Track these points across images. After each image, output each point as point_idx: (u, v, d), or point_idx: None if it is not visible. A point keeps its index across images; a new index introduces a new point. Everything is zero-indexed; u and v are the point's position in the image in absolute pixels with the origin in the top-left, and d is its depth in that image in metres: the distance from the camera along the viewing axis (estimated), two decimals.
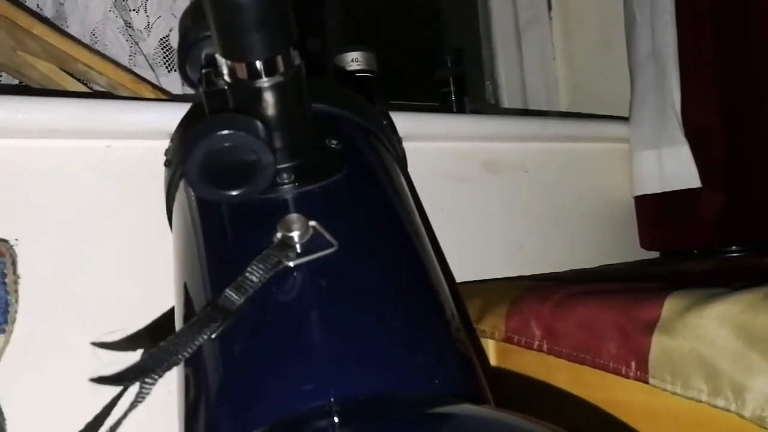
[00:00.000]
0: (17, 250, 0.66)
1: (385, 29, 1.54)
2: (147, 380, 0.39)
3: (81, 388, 0.50)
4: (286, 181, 0.47)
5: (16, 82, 0.91)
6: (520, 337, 0.73)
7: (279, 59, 0.44)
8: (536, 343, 0.71)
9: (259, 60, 0.43)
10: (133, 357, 0.40)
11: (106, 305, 0.72)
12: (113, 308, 0.72)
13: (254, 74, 0.44)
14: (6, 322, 0.60)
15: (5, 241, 0.65)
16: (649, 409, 0.61)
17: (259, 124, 0.43)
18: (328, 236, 0.44)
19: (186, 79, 0.60)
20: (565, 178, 1.19)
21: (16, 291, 0.63)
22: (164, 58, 1.02)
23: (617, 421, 0.63)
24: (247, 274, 0.42)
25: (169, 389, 0.47)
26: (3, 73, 0.92)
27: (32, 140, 0.71)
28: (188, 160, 0.42)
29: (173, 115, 0.67)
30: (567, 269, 1.11)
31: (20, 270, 0.66)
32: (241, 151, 0.43)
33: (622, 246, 1.24)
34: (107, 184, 0.74)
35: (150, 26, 1.01)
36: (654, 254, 1.26)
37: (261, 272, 0.42)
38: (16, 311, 0.62)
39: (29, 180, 0.70)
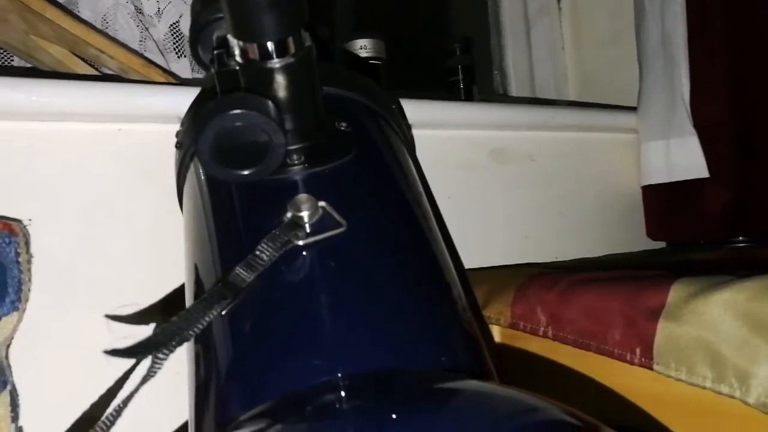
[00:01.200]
0: (30, 230, 0.67)
1: (395, 18, 1.54)
2: (159, 354, 0.40)
3: (93, 365, 0.51)
4: (296, 162, 0.48)
5: (29, 66, 0.91)
6: (525, 324, 0.73)
7: (290, 40, 0.44)
8: (542, 329, 0.71)
9: (271, 41, 0.43)
10: (146, 332, 0.40)
11: (117, 285, 0.72)
12: (125, 288, 0.72)
13: (266, 55, 0.44)
14: (19, 300, 0.60)
15: (19, 221, 0.66)
16: (654, 396, 0.62)
17: (270, 104, 0.44)
18: (337, 216, 0.44)
19: (198, 60, 0.61)
20: (572, 168, 1.19)
21: (29, 270, 0.63)
22: (174, 43, 1.02)
23: (623, 399, 0.63)
24: (258, 253, 0.42)
25: (177, 370, 0.48)
26: (15, 57, 0.93)
27: (46, 123, 0.71)
28: (200, 137, 0.43)
29: (184, 98, 0.68)
30: (573, 258, 1.12)
31: (33, 250, 0.66)
32: (252, 130, 0.44)
33: (629, 236, 1.24)
34: (118, 166, 0.75)
35: (160, 12, 1.01)
36: (660, 244, 1.26)
37: (271, 251, 0.42)
38: (29, 290, 0.63)
39: (42, 162, 0.71)
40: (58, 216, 0.70)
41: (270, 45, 0.44)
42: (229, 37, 0.45)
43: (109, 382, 0.48)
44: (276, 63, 0.44)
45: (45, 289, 0.67)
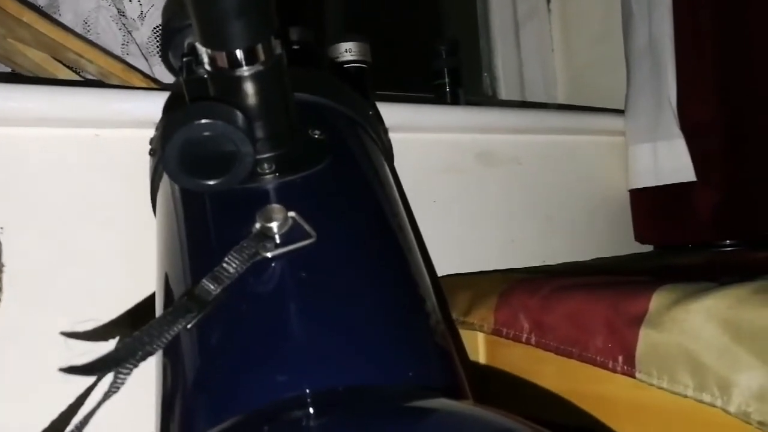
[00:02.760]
0: (2, 238, 0.66)
1: (383, 20, 1.53)
2: (121, 370, 0.39)
3: (67, 377, 0.50)
4: (267, 171, 0.47)
5: (9, 70, 0.90)
6: (508, 330, 0.73)
7: (259, 48, 0.43)
8: (524, 336, 0.71)
9: (239, 49, 0.43)
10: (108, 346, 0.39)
11: (93, 294, 0.71)
12: (100, 297, 0.71)
13: (234, 63, 0.43)
14: None
15: None
16: (637, 403, 0.61)
17: (238, 113, 0.43)
18: (307, 227, 0.44)
19: (168, 66, 0.60)
20: (559, 171, 1.19)
21: (0, 279, 0.62)
22: (157, 47, 1.01)
23: (599, 422, 0.63)
24: (224, 265, 0.42)
25: (147, 380, 0.47)
26: None
27: (20, 128, 0.70)
28: (167, 147, 0.42)
29: (162, 103, 0.67)
30: (560, 262, 1.11)
31: (4, 258, 0.65)
32: (220, 140, 0.43)
33: (617, 239, 1.24)
34: (95, 172, 0.74)
35: (143, 15, 1.00)
36: (648, 248, 1.26)
37: (238, 263, 0.42)
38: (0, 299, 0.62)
39: (16, 167, 0.70)
40: (32, 223, 0.69)
41: (239, 53, 0.43)
42: (197, 44, 0.44)
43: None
44: (245, 71, 0.44)
45: (18, 299, 0.66)
